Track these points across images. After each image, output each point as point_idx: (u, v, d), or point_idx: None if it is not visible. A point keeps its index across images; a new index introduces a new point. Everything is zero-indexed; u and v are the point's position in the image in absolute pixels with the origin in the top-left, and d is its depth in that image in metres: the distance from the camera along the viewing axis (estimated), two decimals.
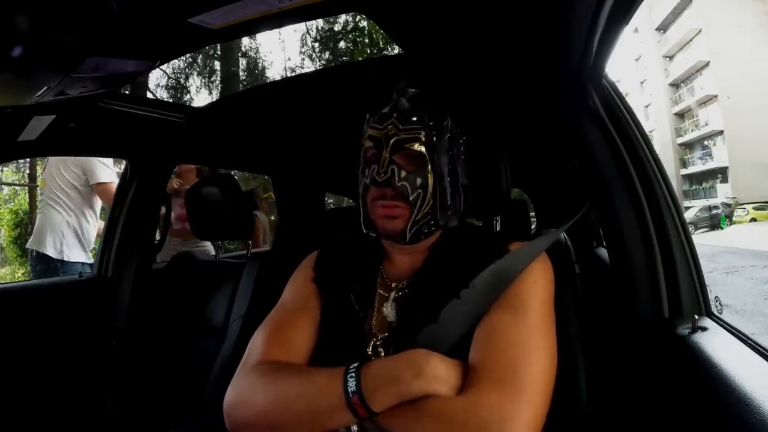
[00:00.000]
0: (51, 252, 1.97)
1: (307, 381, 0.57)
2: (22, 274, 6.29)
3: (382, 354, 0.64)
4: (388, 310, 0.67)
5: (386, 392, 0.52)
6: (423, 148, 0.66)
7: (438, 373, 0.53)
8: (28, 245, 2.14)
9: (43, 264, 1.99)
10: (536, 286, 0.62)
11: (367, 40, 6.04)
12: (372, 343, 0.65)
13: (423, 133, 0.66)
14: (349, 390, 0.52)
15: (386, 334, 0.65)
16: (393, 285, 0.70)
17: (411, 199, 0.66)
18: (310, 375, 0.58)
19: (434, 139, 0.67)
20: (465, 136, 0.74)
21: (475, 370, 0.54)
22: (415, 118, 0.67)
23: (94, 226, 2.10)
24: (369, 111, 0.72)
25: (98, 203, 2.09)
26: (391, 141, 0.66)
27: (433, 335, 0.58)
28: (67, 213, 2.01)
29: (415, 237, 0.67)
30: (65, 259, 1.98)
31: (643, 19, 21.66)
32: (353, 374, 0.53)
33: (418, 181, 0.66)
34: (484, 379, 0.52)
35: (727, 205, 16.35)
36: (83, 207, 2.04)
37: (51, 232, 1.99)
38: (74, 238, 2.02)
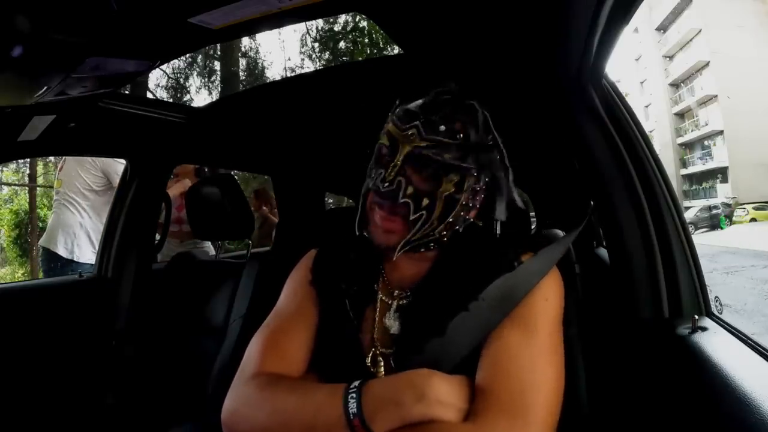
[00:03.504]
0: (62, 251, 1.98)
1: (306, 398, 0.55)
2: (22, 274, 6.30)
3: (382, 365, 0.62)
4: (391, 321, 0.63)
5: (388, 415, 0.50)
6: (441, 170, 0.58)
7: (441, 396, 0.51)
8: (40, 242, 2.15)
9: (52, 262, 1.99)
10: (547, 304, 0.59)
11: (367, 40, 6.04)
12: (371, 353, 0.62)
13: (448, 152, 0.57)
14: (350, 411, 0.50)
15: (389, 347, 0.62)
16: (396, 293, 0.66)
17: (411, 219, 0.58)
18: (309, 391, 0.56)
19: (463, 159, 0.58)
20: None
21: (482, 394, 0.52)
22: (443, 128, 0.57)
23: None
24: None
25: None
26: (407, 149, 0.58)
27: (439, 349, 0.56)
28: (81, 214, 2.02)
29: (408, 252, 0.62)
30: (75, 259, 1.99)
31: (643, 19, 21.66)
32: (354, 394, 0.51)
33: (425, 202, 0.58)
34: (492, 406, 0.51)
35: (727, 205, 16.36)
36: (98, 209, 2.04)
37: (63, 231, 2.00)
38: (86, 239, 2.02)
